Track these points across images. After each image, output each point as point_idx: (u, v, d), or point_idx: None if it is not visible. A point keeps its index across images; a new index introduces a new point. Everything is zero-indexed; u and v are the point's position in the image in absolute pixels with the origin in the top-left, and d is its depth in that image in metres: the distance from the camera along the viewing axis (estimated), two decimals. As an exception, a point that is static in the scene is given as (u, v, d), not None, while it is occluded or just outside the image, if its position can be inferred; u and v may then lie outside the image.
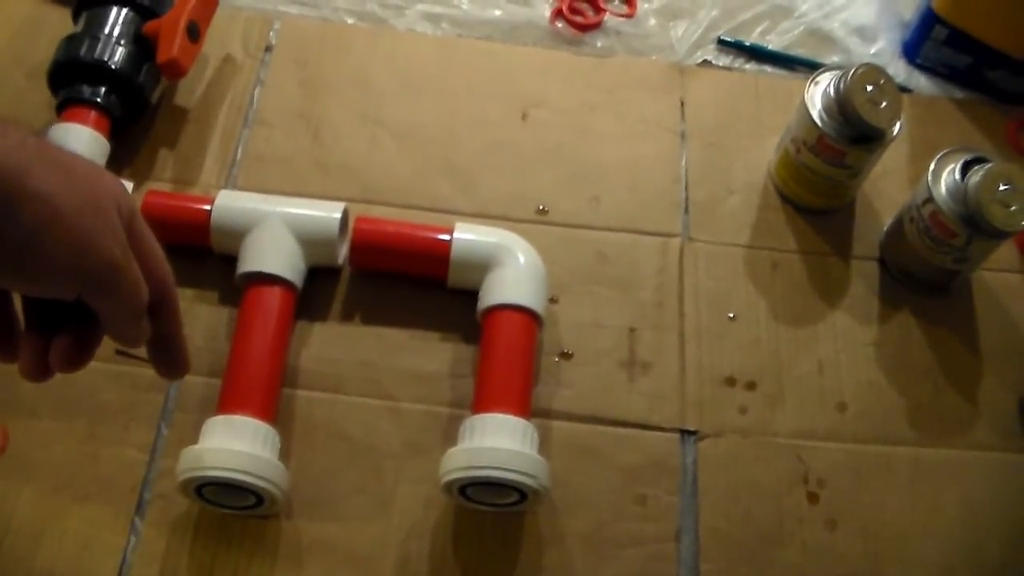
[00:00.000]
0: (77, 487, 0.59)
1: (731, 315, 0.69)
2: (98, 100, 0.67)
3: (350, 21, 0.81)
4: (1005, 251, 0.72)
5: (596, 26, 0.83)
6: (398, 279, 0.67)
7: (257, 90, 0.76)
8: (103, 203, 0.40)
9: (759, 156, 0.76)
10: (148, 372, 0.60)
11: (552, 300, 0.67)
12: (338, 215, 0.65)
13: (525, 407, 0.59)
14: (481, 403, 0.59)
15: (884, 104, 0.66)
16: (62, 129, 0.66)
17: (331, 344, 0.65)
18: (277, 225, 0.63)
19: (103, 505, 0.58)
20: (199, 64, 0.75)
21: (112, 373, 0.62)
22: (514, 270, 0.63)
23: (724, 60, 0.83)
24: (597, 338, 0.67)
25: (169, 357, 0.47)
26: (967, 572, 0.61)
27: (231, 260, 0.64)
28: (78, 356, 0.43)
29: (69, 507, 0.58)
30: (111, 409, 0.61)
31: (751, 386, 0.66)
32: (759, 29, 0.84)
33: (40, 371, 0.43)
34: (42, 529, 0.57)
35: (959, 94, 0.82)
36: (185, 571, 0.57)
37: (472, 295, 0.64)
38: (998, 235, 0.65)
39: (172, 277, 0.45)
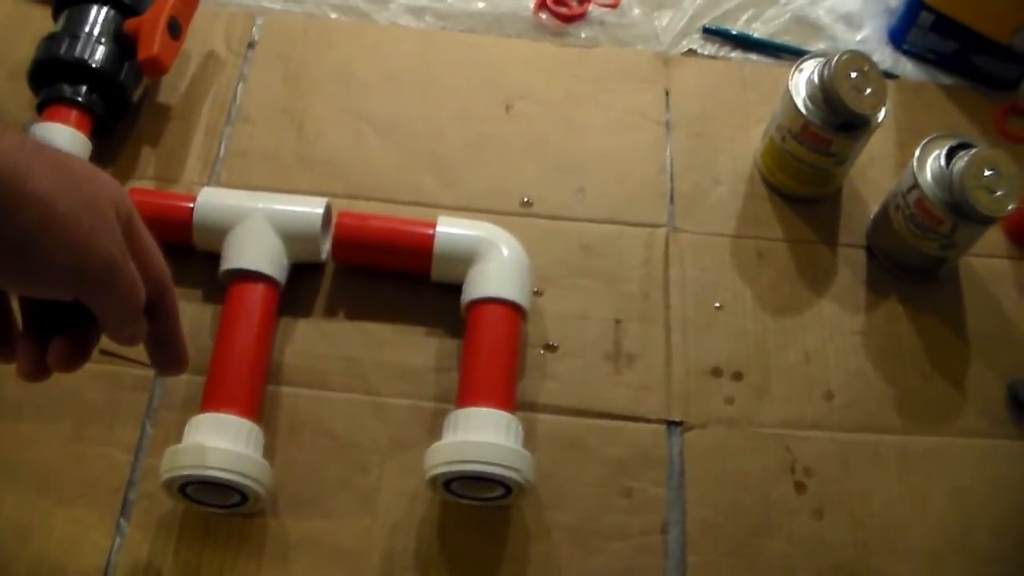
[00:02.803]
0: (62, 488, 0.58)
1: (717, 305, 0.68)
2: (79, 99, 0.67)
3: (333, 15, 0.81)
4: (992, 237, 0.71)
5: (580, 17, 0.82)
6: (382, 274, 0.67)
7: (240, 86, 0.76)
8: (101, 204, 0.40)
9: (745, 145, 0.76)
10: (132, 371, 0.62)
11: (537, 292, 0.67)
12: (320, 210, 0.65)
13: (510, 400, 0.59)
14: (465, 397, 0.58)
15: (868, 91, 0.66)
16: (43, 128, 0.65)
17: (315, 340, 0.65)
18: (260, 221, 0.63)
19: (88, 506, 0.58)
20: (181, 61, 0.75)
21: (96, 373, 0.62)
22: (497, 263, 0.63)
23: (709, 49, 0.82)
24: (582, 330, 0.67)
25: (167, 355, 0.47)
26: (956, 559, 0.61)
27: (214, 257, 0.64)
28: (76, 356, 0.43)
29: (54, 508, 0.58)
30: (95, 409, 0.61)
31: (737, 376, 0.66)
32: (744, 17, 0.84)
33: (38, 371, 0.43)
34: (27, 530, 0.57)
35: (946, 80, 0.82)
36: (171, 571, 0.56)
37: (456, 289, 0.64)
38: (983, 221, 0.65)
39: (169, 276, 0.45)
